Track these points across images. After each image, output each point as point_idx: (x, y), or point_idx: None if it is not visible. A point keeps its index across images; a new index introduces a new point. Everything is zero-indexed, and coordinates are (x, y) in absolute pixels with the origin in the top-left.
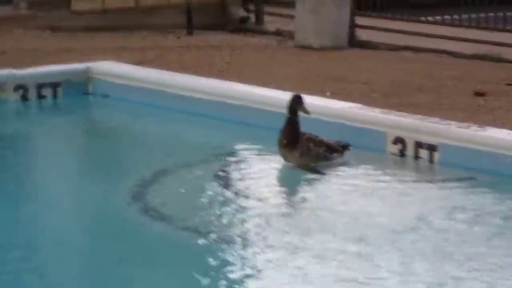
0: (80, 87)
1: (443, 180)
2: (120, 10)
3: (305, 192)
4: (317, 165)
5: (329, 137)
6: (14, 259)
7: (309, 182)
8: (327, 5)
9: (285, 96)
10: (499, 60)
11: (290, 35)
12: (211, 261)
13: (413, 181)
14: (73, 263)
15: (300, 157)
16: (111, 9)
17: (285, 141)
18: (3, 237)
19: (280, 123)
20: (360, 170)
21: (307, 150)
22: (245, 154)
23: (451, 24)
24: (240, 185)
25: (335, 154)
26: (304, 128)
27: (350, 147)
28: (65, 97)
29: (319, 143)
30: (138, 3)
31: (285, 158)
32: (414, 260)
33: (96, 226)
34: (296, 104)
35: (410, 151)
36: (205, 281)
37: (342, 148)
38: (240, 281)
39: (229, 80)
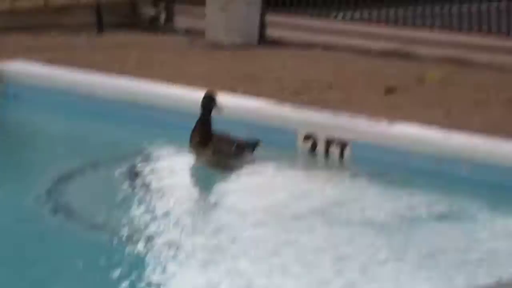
0: None
1: (353, 176)
2: (29, 10)
3: (216, 190)
4: (228, 163)
5: (240, 134)
6: None
7: (220, 180)
8: (237, 3)
9: (196, 94)
10: (409, 56)
11: (201, 33)
12: (119, 260)
13: (323, 177)
14: None
15: (212, 156)
16: (20, 9)
17: (197, 139)
18: None
19: (192, 122)
20: (271, 167)
21: (219, 148)
22: (156, 153)
23: (361, 21)
24: (150, 184)
25: (246, 152)
26: (215, 125)
27: (261, 144)
28: None
29: (231, 141)
30: (47, 2)
31: (197, 156)
32: (316, 257)
33: (5, 227)
34: (209, 102)
35: (321, 148)
36: (112, 279)
37: (252, 145)
38: (147, 280)
39: (140, 79)
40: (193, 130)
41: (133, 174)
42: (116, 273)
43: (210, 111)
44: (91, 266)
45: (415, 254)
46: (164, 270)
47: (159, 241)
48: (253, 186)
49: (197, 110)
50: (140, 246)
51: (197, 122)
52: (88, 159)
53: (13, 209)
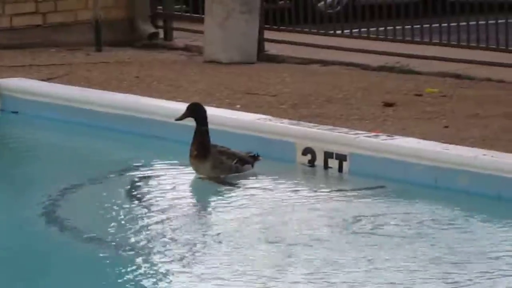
0: None
1: (353, 189)
2: (28, 27)
3: (216, 204)
4: (227, 176)
5: (239, 148)
6: None
7: (220, 194)
8: (235, 19)
9: None
10: (407, 71)
11: (199, 50)
12: (117, 273)
13: (323, 191)
14: None
15: (211, 169)
16: (18, 27)
17: (195, 152)
18: None
19: (190, 136)
20: (270, 181)
21: (219, 163)
22: (155, 167)
23: (359, 37)
24: (150, 198)
25: (246, 166)
26: (214, 139)
27: (260, 158)
28: None
29: (232, 155)
30: (45, 20)
31: (196, 170)
32: (323, 268)
33: (4, 241)
34: (198, 110)
35: (319, 161)
36: None
37: (252, 159)
38: None
39: (138, 95)
40: (192, 144)
41: (132, 189)
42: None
43: (204, 120)
44: (91, 279)
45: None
46: (163, 283)
47: (157, 254)
48: (251, 200)
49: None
50: (138, 259)
51: (194, 135)
52: (86, 174)
53: (12, 221)
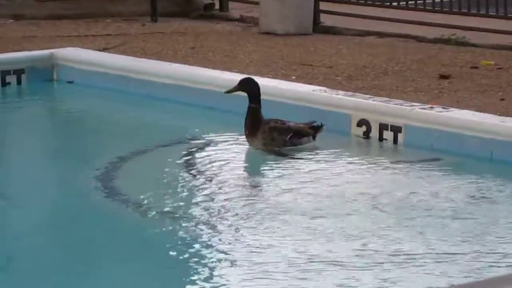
0: (44, 74)
1: (407, 161)
2: None
3: (269, 175)
4: (280, 152)
5: (295, 120)
6: None
7: (274, 165)
8: None
9: None
10: (463, 44)
11: (255, 21)
12: (177, 244)
13: (378, 163)
14: (41, 248)
15: (263, 146)
16: None
17: (246, 132)
18: None
19: (245, 107)
20: (326, 153)
21: (270, 140)
22: (211, 138)
23: (415, 9)
24: (206, 169)
25: (305, 139)
26: (269, 111)
27: (323, 127)
28: (30, 83)
29: (285, 130)
30: None
31: (251, 146)
32: (377, 240)
33: (63, 210)
34: (252, 86)
35: (374, 133)
36: (171, 264)
37: (312, 129)
38: (210, 264)
39: (193, 66)
40: (244, 121)
41: (188, 159)
42: (171, 255)
43: (255, 96)
44: (145, 249)
45: (469, 235)
46: (219, 254)
47: (210, 224)
48: (307, 172)
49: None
50: (195, 230)
51: (246, 112)
52: (141, 145)
53: (67, 190)
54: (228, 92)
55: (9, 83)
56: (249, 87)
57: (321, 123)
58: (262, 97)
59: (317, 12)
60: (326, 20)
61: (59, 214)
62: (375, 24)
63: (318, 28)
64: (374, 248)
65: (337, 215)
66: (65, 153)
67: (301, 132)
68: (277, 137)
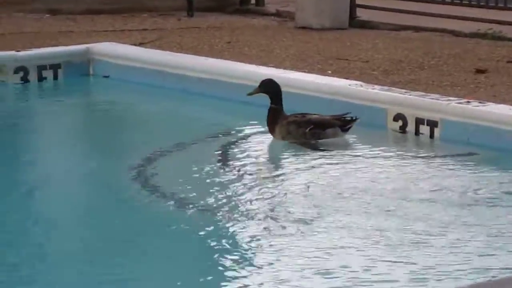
0: (81, 68)
1: (444, 156)
2: None
3: (303, 168)
4: (318, 142)
5: (331, 113)
6: (25, 231)
7: (307, 159)
8: None
9: (285, 75)
10: (499, 38)
11: (290, 16)
12: (214, 236)
13: (414, 157)
14: (79, 239)
15: (282, 140)
16: None
17: (268, 128)
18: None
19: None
20: (361, 146)
21: (287, 133)
22: (245, 132)
23: (452, 3)
24: (238, 163)
25: (329, 130)
26: (304, 105)
27: (357, 120)
28: (66, 78)
29: (305, 123)
30: None
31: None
32: (415, 234)
33: (100, 203)
34: (272, 87)
35: (411, 127)
36: (209, 254)
37: (343, 121)
38: (248, 256)
39: (229, 60)
40: (266, 119)
41: (223, 153)
42: (207, 248)
43: (276, 97)
44: (182, 241)
45: (506, 229)
46: (257, 244)
47: (245, 217)
48: (343, 166)
49: (286, 90)
50: (233, 223)
51: (268, 111)
52: (177, 139)
53: (104, 184)
54: (250, 94)
55: (45, 78)
56: (270, 88)
57: (355, 116)
58: (299, 92)
59: (353, 6)
60: (362, 14)
61: (97, 206)
62: (411, 19)
63: (354, 22)
64: (415, 240)
65: (374, 208)
66: (101, 147)
67: (323, 123)
68: (294, 130)
